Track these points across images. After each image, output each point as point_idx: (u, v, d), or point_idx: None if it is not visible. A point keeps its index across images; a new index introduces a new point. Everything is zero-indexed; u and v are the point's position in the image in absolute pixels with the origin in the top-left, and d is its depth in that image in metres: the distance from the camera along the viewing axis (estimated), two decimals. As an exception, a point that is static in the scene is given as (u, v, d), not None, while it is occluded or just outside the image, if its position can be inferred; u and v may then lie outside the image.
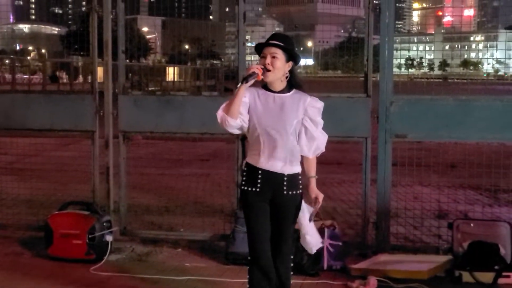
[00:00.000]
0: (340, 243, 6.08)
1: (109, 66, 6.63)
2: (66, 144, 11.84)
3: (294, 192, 4.05)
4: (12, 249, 6.64)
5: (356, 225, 7.36)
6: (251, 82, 3.88)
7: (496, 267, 5.54)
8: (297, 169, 4.07)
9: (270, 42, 3.98)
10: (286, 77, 4.00)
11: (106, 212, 6.56)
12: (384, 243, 6.36)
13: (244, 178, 4.10)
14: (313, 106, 4.03)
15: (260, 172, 4.00)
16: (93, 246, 6.15)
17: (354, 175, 11.50)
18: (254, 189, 4.02)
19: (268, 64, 3.92)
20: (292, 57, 4.02)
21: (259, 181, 4.01)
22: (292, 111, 3.97)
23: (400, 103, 6.18)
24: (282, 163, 3.98)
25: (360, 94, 6.29)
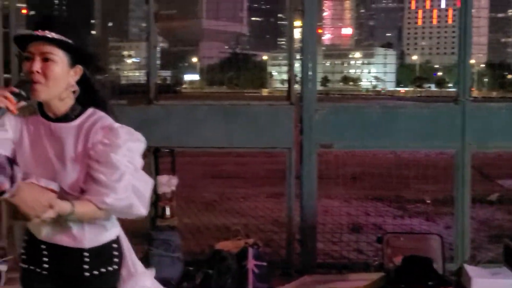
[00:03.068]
0: (265, 264, 5.62)
1: (0, 72, 5.87)
2: None
3: (104, 270, 2.58)
4: None
5: (272, 242, 7.02)
6: None
7: (430, 283, 5.28)
8: (108, 235, 2.59)
9: (39, 34, 2.37)
10: (74, 92, 2.47)
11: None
12: (310, 261, 5.97)
13: (23, 251, 2.65)
14: (103, 141, 2.42)
15: (44, 247, 2.56)
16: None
17: (258, 189, 11.21)
18: (39, 270, 2.59)
19: (38, 72, 2.35)
20: (82, 57, 2.46)
21: (45, 259, 2.57)
22: (76, 153, 2.44)
23: (325, 111, 5.85)
24: (75, 233, 2.51)
25: (283, 101, 5.91)
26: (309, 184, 5.91)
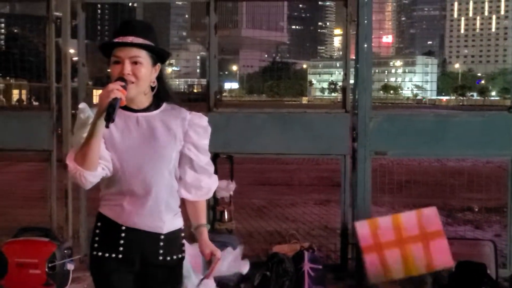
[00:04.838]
0: (321, 267, 5.77)
1: (68, 81, 6.15)
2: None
3: (175, 257, 2.80)
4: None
5: (323, 247, 7.11)
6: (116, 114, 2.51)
7: (484, 288, 5.35)
8: (179, 223, 2.83)
9: (129, 42, 2.65)
10: (153, 88, 2.74)
11: (65, 239, 6.03)
12: (363, 266, 6.08)
13: (97, 238, 2.77)
14: (197, 125, 2.79)
15: (123, 229, 2.72)
16: (53, 276, 5.61)
17: (305, 196, 11.32)
18: (114, 255, 2.72)
19: (129, 74, 2.62)
20: (160, 55, 2.75)
21: (121, 242, 2.72)
22: (168, 138, 2.72)
23: (380, 119, 5.96)
24: (157, 217, 2.73)
25: (338, 109, 6.06)
26: (363, 190, 6.03)
